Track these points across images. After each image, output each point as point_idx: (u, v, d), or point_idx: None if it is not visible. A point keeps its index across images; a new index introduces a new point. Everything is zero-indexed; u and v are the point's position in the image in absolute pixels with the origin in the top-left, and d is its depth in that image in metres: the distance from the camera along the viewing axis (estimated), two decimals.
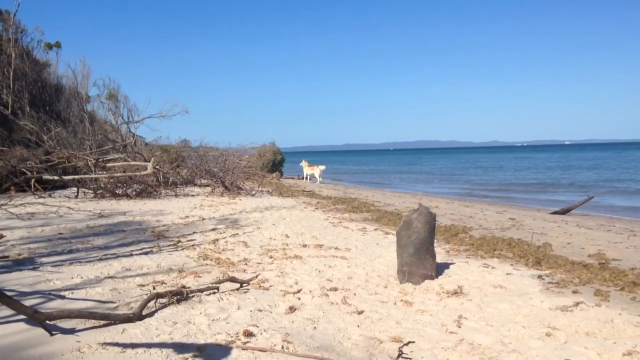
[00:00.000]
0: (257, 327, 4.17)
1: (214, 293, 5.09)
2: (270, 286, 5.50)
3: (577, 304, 4.93)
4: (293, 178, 30.86)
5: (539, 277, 6.17)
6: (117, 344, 3.64)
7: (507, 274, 6.29)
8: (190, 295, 4.88)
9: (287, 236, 8.75)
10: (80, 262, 6.28)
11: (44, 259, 6.36)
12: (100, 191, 14.33)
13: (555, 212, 14.62)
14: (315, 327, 4.30)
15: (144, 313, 4.28)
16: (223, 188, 16.73)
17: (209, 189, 17.28)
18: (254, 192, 17.02)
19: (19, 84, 20.70)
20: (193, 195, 15.67)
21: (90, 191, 14.47)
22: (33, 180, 11.66)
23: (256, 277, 5.79)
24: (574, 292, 5.48)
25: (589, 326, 4.38)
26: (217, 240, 8.09)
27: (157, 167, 15.09)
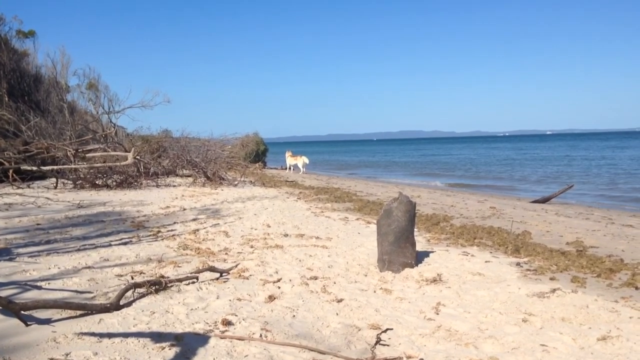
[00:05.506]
0: (236, 316, 4.16)
1: (193, 283, 5.06)
2: (250, 275, 5.49)
3: (553, 290, 4.99)
4: (276, 168, 30.77)
5: (518, 264, 6.24)
6: (93, 334, 3.61)
7: (486, 261, 6.35)
8: (168, 285, 4.84)
9: (268, 226, 8.73)
10: (57, 252, 6.20)
11: (21, 250, 6.26)
12: (80, 182, 14.14)
13: (535, 201, 14.80)
14: (294, 316, 4.30)
15: (121, 303, 4.25)
16: (205, 178, 16.62)
17: (190, 179, 17.16)
18: (236, 183, 16.93)
19: None
20: (174, 186, 15.55)
21: (69, 182, 14.28)
22: (11, 171, 11.46)
23: (236, 266, 5.78)
24: (551, 279, 5.56)
25: (565, 312, 4.44)
26: (197, 230, 8.04)
27: (137, 157, 14.90)
